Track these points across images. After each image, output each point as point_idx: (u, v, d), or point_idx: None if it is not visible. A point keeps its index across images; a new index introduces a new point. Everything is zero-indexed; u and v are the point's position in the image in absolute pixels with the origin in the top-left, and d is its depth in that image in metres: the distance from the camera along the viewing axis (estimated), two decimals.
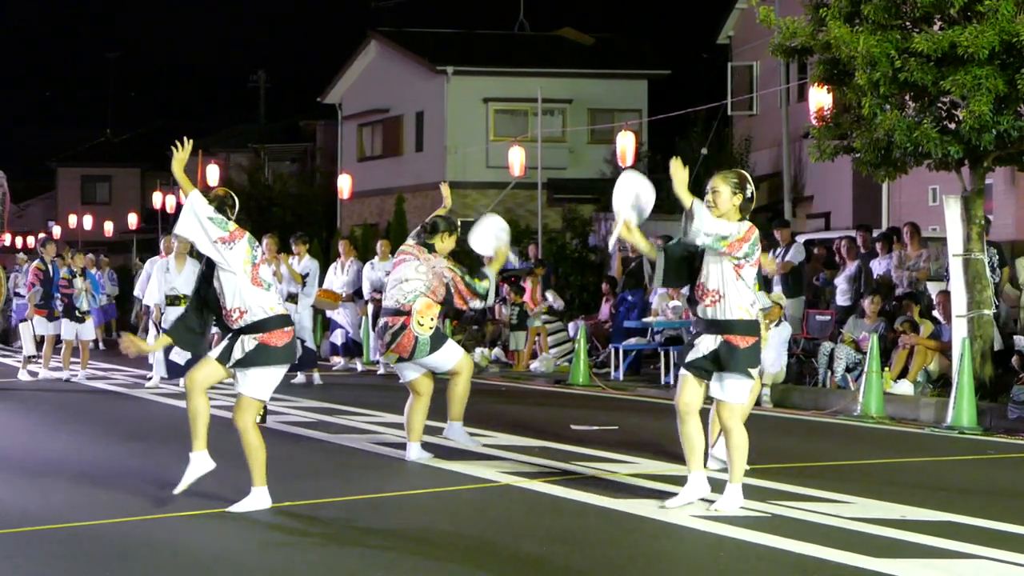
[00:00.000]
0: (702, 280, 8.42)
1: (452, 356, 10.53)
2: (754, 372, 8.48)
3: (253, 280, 8.29)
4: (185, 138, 8.58)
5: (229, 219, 8.39)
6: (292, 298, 18.10)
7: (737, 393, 8.41)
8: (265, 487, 8.32)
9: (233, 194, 8.72)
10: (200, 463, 8.44)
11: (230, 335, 8.38)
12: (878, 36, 13.53)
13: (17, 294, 29.53)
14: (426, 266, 10.44)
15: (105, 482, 9.48)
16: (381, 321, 10.60)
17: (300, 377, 18.39)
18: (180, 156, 8.46)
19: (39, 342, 19.96)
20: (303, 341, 18.32)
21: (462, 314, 22.21)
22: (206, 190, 8.67)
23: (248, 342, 8.28)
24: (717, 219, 8.28)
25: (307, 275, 18.83)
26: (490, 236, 10.87)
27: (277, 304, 8.42)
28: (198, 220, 8.26)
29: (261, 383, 8.35)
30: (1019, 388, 13.45)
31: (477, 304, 10.66)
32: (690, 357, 8.52)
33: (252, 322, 8.28)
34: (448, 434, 10.78)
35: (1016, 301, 16.00)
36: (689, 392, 8.50)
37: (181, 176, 8.46)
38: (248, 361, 8.28)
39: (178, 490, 8.41)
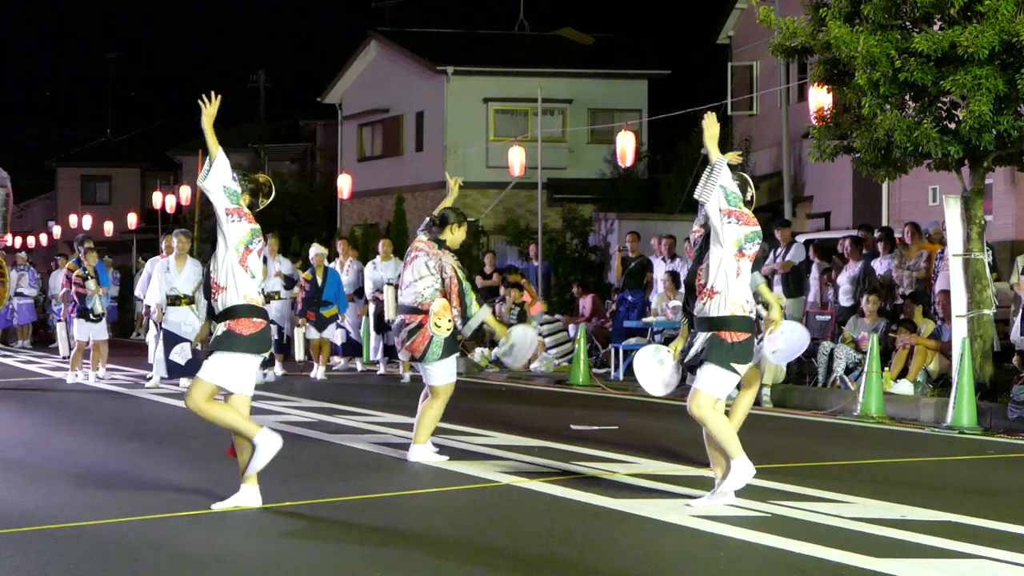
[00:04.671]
0: (701, 280, 8.45)
1: (445, 375, 10.47)
2: (740, 368, 8.44)
3: (241, 261, 8.34)
4: (213, 93, 8.38)
5: (257, 204, 8.45)
6: (271, 296, 18.45)
7: (708, 382, 8.34)
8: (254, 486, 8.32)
9: (272, 185, 8.64)
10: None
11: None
12: (878, 36, 13.53)
13: (19, 294, 29.59)
14: (435, 261, 10.42)
15: (105, 482, 9.48)
16: (398, 318, 10.58)
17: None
18: (210, 112, 8.35)
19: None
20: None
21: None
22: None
23: (219, 328, 8.38)
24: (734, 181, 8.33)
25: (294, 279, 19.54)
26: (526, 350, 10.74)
27: (255, 295, 8.42)
28: (220, 181, 8.31)
29: (219, 368, 8.31)
30: (1019, 388, 13.45)
31: (456, 321, 10.35)
32: (687, 359, 8.56)
33: (226, 307, 8.33)
34: (412, 457, 10.44)
35: (1011, 300, 16.01)
36: None
37: (211, 134, 8.33)
38: (215, 344, 8.37)
39: (217, 507, 8.30)
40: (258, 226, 8.48)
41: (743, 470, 8.36)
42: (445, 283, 10.38)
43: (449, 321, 10.35)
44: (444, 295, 10.38)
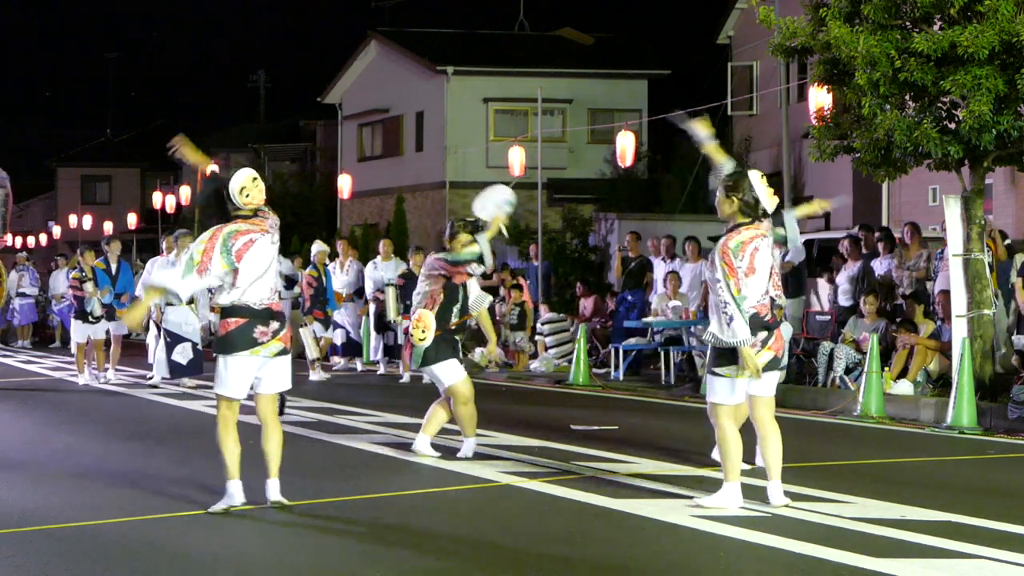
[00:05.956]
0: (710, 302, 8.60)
1: (450, 375, 10.49)
2: (725, 371, 8.41)
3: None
4: (179, 136, 8.89)
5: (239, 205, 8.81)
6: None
7: (709, 390, 8.52)
8: (237, 480, 8.27)
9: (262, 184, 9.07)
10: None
11: None
12: (878, 36, 13.53)
13: (20, 294, 29.59)
14: (426, 270, 10.53)
15: (105, 482, 9.49)
16: (404, 324, 10.86)
17: None
18: (185, 149, 8.79)
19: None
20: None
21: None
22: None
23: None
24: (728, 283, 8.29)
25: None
26: (490, 204, 10.88)
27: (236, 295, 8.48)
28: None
29: (217, 374, 8.43)
30: (1019, 388, 13.45)
31: (477, 269, 10.55)
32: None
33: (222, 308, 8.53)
34: (464, 453, 10.59)
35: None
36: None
37: (198, 158, 8.78)
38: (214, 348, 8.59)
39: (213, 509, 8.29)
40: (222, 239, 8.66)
41: (730, 498, 8.36)
42: (443, 275, 10.43)
43: (423, 331, 10.37)
44: (428, 305, 10.43)
